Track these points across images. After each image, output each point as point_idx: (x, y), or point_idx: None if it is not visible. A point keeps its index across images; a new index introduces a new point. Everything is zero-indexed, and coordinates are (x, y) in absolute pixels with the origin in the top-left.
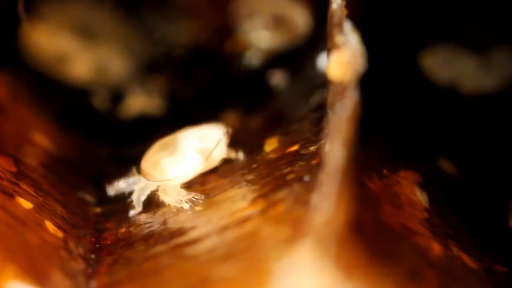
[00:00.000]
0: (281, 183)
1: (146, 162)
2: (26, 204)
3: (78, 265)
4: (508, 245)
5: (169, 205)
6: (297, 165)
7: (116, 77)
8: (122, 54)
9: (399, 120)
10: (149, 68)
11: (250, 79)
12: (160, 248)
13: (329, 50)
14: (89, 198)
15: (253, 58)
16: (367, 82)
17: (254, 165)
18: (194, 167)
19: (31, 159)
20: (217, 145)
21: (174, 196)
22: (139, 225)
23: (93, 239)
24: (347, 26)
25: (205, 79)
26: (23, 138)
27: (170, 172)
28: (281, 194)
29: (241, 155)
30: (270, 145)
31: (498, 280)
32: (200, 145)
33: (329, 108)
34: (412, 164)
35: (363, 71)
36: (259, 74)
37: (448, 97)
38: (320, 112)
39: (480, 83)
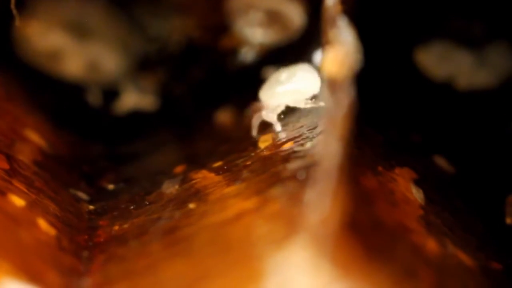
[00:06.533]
0: (276, 180)
1: None
2: (18, 201)
3: (71, 263)
4: (504, 242)
5: None
6: (291, 162)
7: (109, 74)
8: (115, 51)
9: (394, 117)
10: (143, 65)
11: (244, 75)
12: (154, 245)
13: (323, 47)
14: (82, 195)
15: (247, 55)
16: (362, 78)
17: (248, 162)
18: None
19: (24, 156)
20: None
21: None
22: (133, 222)
23: (86, 237)
24: (342, 22)
25: (199, 76)
26: (16, 135)
27: None
28: (276, 191)
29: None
30: (264, 142)
31: (493, 278)
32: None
33: (323, 105)
34: (407, 161)
35: (359, 67)
36: (254, 70)
37: (443, 93)
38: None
39: (476, 80)
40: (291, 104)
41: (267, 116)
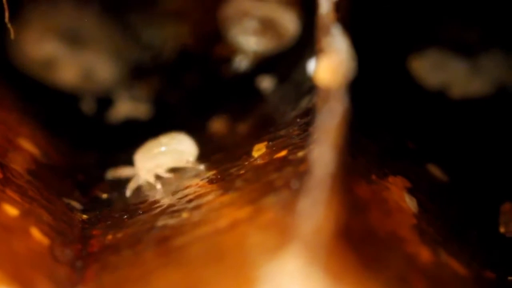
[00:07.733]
0: (269, 189)
1: None
2: (11, 210)
3: (64, 272)
4: (498, 251)
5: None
6: (285, 171)
7: (103, 83)
8: (109, 59)
9: (388, 125)
10: (137, 73)
11: (238, 83)
12: (147, 254)
13: (318, 55)
14: (75, 204)
15: (241, 63)
16: (356, 86)
17: (242, 171)
18: None
19: (17, 165)
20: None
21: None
22: (126, 231)
23: (80, 246)
24: (336, 30)
25: (193, 84)
26: (10, 144)
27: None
28: (269, 200)
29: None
30: (258, 150)
31: (487, 287)
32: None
33: (317, 113)
34: (401, 170)
35: (353, 75)
36: (247, 78)
37: (437, 101)
38: (308, 117)
39: (470, 88)
40: (171, 165)
41: (141, 179)
